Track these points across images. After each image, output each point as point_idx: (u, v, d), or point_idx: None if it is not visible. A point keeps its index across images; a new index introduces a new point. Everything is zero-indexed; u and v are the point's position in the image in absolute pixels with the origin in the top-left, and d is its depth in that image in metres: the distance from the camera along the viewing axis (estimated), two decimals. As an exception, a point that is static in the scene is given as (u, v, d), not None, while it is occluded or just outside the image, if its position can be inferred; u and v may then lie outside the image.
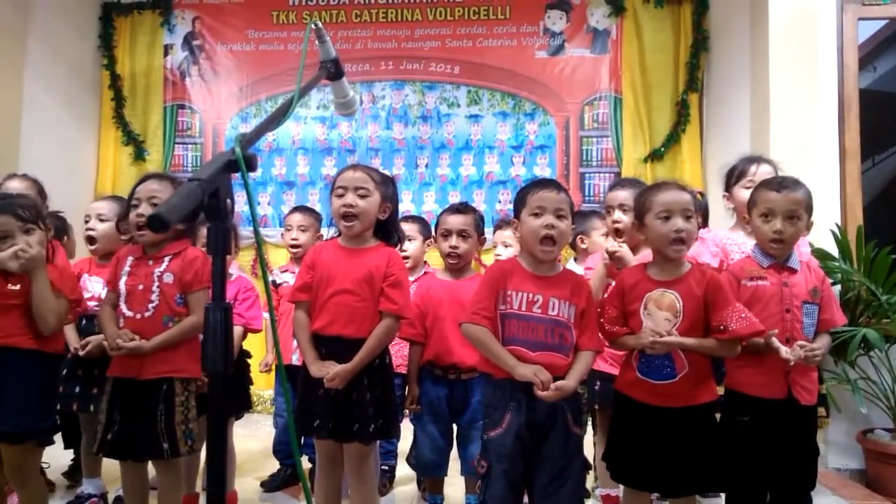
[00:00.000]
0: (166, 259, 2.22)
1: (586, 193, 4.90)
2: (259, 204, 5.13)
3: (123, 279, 2.22)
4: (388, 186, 2.26)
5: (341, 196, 2.18)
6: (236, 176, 1.07)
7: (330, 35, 5.38)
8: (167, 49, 5.22)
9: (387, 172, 2.34)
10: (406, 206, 4.99)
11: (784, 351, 1.99)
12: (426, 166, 5.04)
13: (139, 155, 5.12)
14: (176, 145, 5.20)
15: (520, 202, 2.04)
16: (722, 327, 1.95)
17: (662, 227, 2.00)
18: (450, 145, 5.03)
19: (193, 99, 5.20)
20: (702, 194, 3.20)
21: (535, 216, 1.97)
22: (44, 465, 2.93)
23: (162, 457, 2.14)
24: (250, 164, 1.06)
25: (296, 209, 3.35)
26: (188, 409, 2.20)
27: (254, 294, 2.79)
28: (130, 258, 2.26)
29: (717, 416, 2.13)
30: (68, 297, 2.24)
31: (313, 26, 1.51)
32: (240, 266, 3.31)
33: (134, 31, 5.22)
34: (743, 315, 1.96)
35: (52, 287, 2.17)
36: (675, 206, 2.00)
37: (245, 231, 4.97)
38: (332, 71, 1.57)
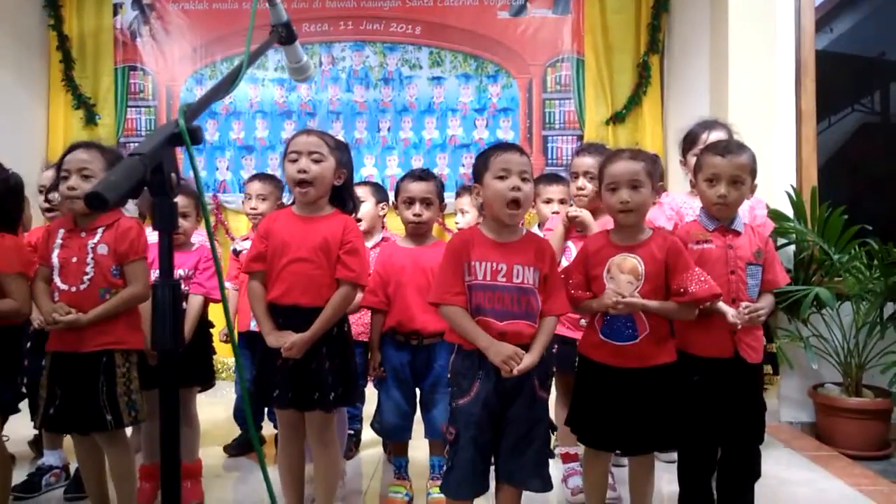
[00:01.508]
0: (99, 230, 2.16)
1: (549, 156, 4.91)
2: (217, 169, 5.03)
3: (56, 252, 2.16)
4: (342, 152, 2.23)
5: (295, 161, 2.14)
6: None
7: (286, -6, 5.16)
8: (116, 8, 5.03)
9: (341, 138, 2.29)
10: (369, 170, 4.95)
11: (731, 314, 2.05)
12: (388, 130, 4.98)
13: (91, 119, 4.97)
14: (129, 108, 5.05)
15: (482, 166, 2.01)
16: (682, 290, 1.99)
17: (610, 198, 2.06)
18: (412, 108, 4.97)
19: (145, 60, 5.03)
20: (657, 157, 3.23)
21: (500, 179, 1.95)
22: (3, 438, 2.91)
23: (106, 428, 2.11)
24: (195, 137, 1.03)
25: (255, 176, 3.28)
26: (130, 381, 2.16)
27: (214, 264, 2.75)
28: (62, 231, 2.19)
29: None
30: (25, 272, 2.19)
31: (259, -13, 1.44)
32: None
33: (81, -11, 5.01)
34: (702, 278, 2.00)
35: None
36: (621, 177, 2.04)
37: (206, 198, 4.90)
38: (284, 35, 1.51)
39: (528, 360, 1.89)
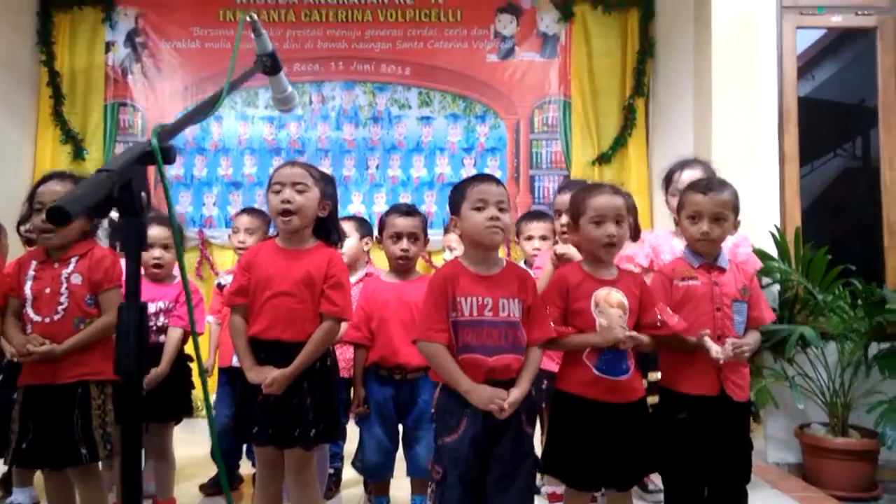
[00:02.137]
0: (73, 260, 2.14)
1: (536, 195, 4.94)
2: (204, 204, 5.02)
3: (28, 284, 2.14)
4: (327, 184, 2.22)
5: (278, 192, 2.13)
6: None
7: (279, 34, 5.27)
8: (109, 46, 5.07)
9: (326, 171, 2.30)
10: (356, 207, 4.95)
11: (714, 350, 2.03)
12: (377, 167, 5.00)
13: (78, 154, 4.96)
14: (117, 143, 5.04)
15: (459, 197, 2.00)
16: (659, 323, 2.01)
17: (595, 231, 2.04)
18: (400, 147, 5.00)
19: (136, 97, 5.06)
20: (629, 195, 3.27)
21: (477, 210, 1.94)
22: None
23: (80, 462, 2.06)
24: (167, 156, 1.02)
25: (244, 210, 3.28)
26: (105, 413, 2.12)
27: (197, 297, 2.74)
28: (34, 262, 2.17)
29: (652, 398, 2.19)
30: None
31: (248, 19, 1.46)
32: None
33: (74, 27, 5.05)
34: (669, 312, 2.04)
35: None
36: (607, 211, 2.03)
37: (189, 233, 4.88)
38: (269, 65, 1.52)
39: (517, 393, 1.87)
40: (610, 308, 2.01)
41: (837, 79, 5.64)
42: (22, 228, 2.51)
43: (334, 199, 2.26)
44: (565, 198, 2.62)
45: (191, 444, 3.56)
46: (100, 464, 2.21)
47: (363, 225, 3.14)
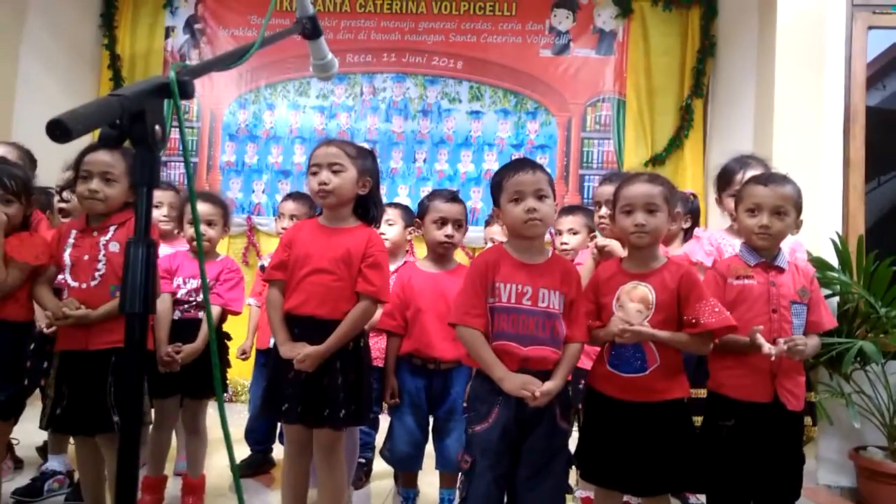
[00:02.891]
0: (111, 229, 2.15)
1: (585, 195, 4.83)
2: (254, 191, 5.06)
3: (67, 251, 2.15)
4: (365, 159, 2.18)
5: (316, 174, 2.12)
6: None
7: (333, 24, 5.28)
8: (168, 31, 5.18)
9: (365, 145, 2.26)
10: (402, 199, 4.91)
11: (767, 347, 1.90)
12: (424, 161, 4.97)
13: (135, 136, 5.06)
14: (172, 129, 5.11)
15: (497, 189, 1.95)
16: (693, 321, 1.88)
17: (625, 220, 1.96)
18: (449, 141, 4.96)
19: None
20: (694, 196, 3.15)
21: (514, 202, 1.89)
22: (13, 441, 2.87)
23: (112, 430, 2.05)
24: (185, 91, 0.98)
25: (289, 196, 3.27)
26: None
27: (238, 276, 2.70)
28: (74, 231, 2.19)
29: (697, 418, 2.05)
30: (29, 262, 2.17)
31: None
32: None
33: (136, 11, 5.18)
34: (716, 309, 1.89)
35: (4, 255, 2.12)
36: (637, 199, 1.94)
37: (238, 219, 4.93)
38: (309, 28, 1.48)
39: (551, 385, 1.81)
40: (629, 303, 1.92)
41: (910, 89, 5.38)
42: (65, 194, 2.53)
43: (375, 175, 2.23)
44: (607, 189, 2.52)
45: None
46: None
47: (409, 213, 3.09)
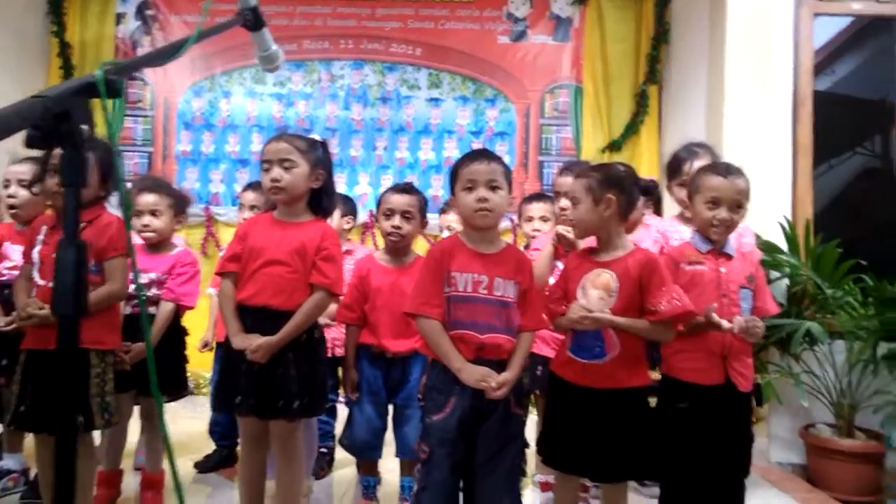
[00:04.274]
0: (80, 226, 2.10)
1: (545, 182, 4.86)
2: (211, 181, 4.99)
3: (37, 248, 2.11)
4: (316, 151, 2.17)
5: (267, 170, 2.12)
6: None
7: (288, 10, 5.18)
8: (119, 18, 5.05)
9: (315, 136, 2.24)
10: (363, 188, 4.92)
11: (725, 324, 1.96)
12: (384, 149, 4.95)
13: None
14: (126, 117, 5.02)
15: (453, 177, 1.97)
16: (653, 309, 1.92)
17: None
18: (409, 128, 4.95)
19: (145, 70, 5.02)
20: (655, 183, 3.20)
21: (467, 191, 1.91)
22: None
23: (76, 429, 2.02)
24: (113, 90, 0.97)
25: (249, 186, 3.22)
26: (105, 382, 2.09)
27: (192, 269, 2.65)
28: (45, 227, 2.15)
29: (652, 401, 2.10)
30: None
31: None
32: (186, 241, 3.20)
33: (85, -2, 5.03)
34: (675, 296, 1.92)
35: None
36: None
37: (196, 209, 4.85)
38: (251, 20, 1.46)
39: (508, 375, 1.84)
40: (592, 289, 1.96)
41: (858, 74, 5.49)
42: (34, 189, 2.46)
43: (327, 166, 2.21)
44: (566, 179, 2.56)
45: (191, 419, 3.56)
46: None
47: (347, 203, 3.10)
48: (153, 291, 2.51)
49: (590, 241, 2.28)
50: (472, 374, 1.81)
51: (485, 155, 1.96)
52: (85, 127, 0.92)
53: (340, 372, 2.60)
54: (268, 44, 1.52)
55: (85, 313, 0.89)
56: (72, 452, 0.89)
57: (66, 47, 4.98)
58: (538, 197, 3.00)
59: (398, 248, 2.56)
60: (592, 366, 1.93)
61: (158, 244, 2.59)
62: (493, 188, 1.89)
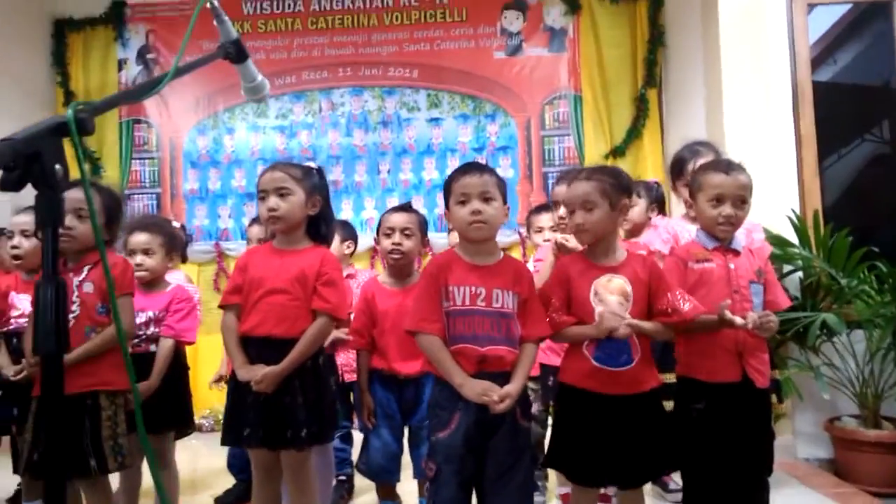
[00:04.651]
0: (86, 269, 2.13)
1: (550, 192, 4.84)
2: (220, 217, 5.04)
3: None
4: (311, 178, 2.19)
5: (264, 199, 2.13)
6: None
7: (286, 43, 5.24)
8: (121, 64, 5.14)
9: (311, 164, 2.26)
10: (370, 212, 4.94)
11: (739, 320, 1.93)
12: (388, 172, 4.98)
13: (95, 172, 5.01)
14: (133, 161, 5.10)
15: (447, 192, 1.97)
16: (670, 310, 1.91)
17: (569, 220, 2.04)
18: (411, 150, 4.97)
19: (149, 113, 5.10)
20: (658, 184, 3.18)
21: (461, 204, 1.90)
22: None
23: (89, 474, 2.02)
24: (84, 128, 0.98)
25: (255, 220, 3.24)
26: (117, 424, 2.09)
27: (189, 305, 2.65)
28: None
29: (667, 403, 2.07)
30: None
31: (206, 4, 1.42)
32: (187, 277, 3.22)
33: (87, 46, 5.13)
34: (686, 297, 1.93)
35: None
36: (571, 200, 2.01)
37: (206, 246, 4.91)
38: (233, 53, 1.48)
39: (511, 387, 1.82)
40: (609, 295, 1.93)
41: (860, 61, 5.44)
42: (15, 239, 2.50)
43: (324, 192, 2.23)
44: (562, 189, 2.55)
45: (211, 456, 3.56)
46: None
47: (346, 228, 3.11)
48: (151, 330, 2.53)
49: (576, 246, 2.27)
50: (474, 389, 1.79)
51: (476, 167, 1.96)
52: (58, 167, 0.93)
53: (352, 397, 2.60)
54: (253, 75, 1.54)
55: (66, 350, 0.90)
56: (60, 498, 0.88)
57: (71, 96, 5.07)
58: (546, 207, 2.99)
59: (400, 267, 2.56)
60: (620, 373, 1.91)
61: (152, 282, 2.60)
62: (487, 200, 1.89)
